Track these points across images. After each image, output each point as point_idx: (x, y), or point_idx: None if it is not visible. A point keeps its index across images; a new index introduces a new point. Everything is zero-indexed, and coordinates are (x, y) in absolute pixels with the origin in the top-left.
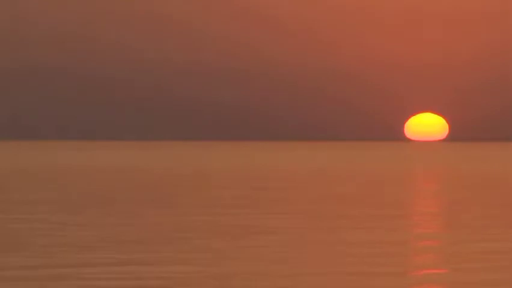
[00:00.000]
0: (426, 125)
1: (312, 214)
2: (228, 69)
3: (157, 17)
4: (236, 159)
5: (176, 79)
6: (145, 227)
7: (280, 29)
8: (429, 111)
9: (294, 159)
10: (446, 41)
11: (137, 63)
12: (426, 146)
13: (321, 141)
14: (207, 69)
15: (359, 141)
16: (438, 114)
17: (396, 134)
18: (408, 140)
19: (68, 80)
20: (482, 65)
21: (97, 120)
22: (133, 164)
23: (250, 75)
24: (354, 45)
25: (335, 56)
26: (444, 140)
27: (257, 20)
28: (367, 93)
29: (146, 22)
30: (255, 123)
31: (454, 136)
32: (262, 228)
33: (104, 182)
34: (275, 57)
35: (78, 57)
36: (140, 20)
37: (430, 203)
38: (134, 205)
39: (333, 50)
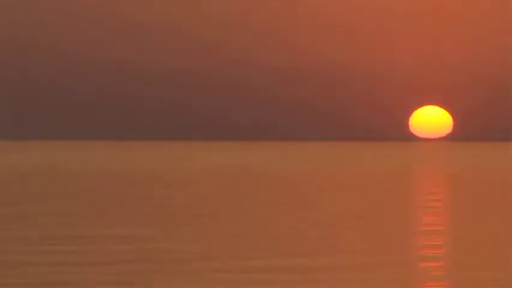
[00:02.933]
0: (431, 119)
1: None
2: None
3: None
4: (241, 159)
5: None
6: None
7: (280, 27)
8: (434, 104)
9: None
10: (452, 37)
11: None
12: (434, 146)
13: (323, 141)
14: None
15: (364, 140)
16: (443, 107)
17: (400, 128)
18: (414, 136)
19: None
20: (487, 59)
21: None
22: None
23: (250, 75)
24: (359, 44)
25: (336, 54)
26: (449, 135)
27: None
28: (371, 87)
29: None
30: (253, 123)
31: (458, 130)
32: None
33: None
34: (274, 56)
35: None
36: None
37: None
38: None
39: (334, 49)
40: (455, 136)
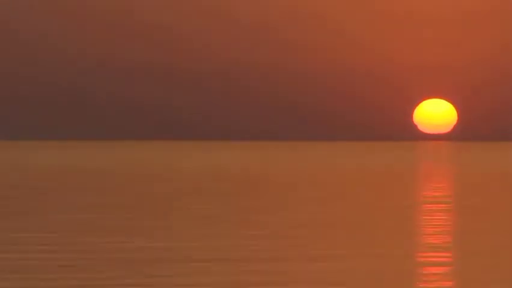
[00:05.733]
0: (435, 113)
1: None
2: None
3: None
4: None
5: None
6: None
7: (281, 28)
8: (438, 97)
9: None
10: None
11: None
12: (437, 145)
13: (329, 141)
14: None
15: (370, 138)
16: (447, 100)
17: (404, 122)
18: (416, 131)
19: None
20: (493, 54)
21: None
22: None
23: (255, 74)
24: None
25: (341, 54)
26: (453, 130)
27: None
28: (372, 86)
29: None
30: (260, 123)
31: (462, 124)
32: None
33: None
34: (280, 56)
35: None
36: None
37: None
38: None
39: (338, 49)
40: (459, 131)
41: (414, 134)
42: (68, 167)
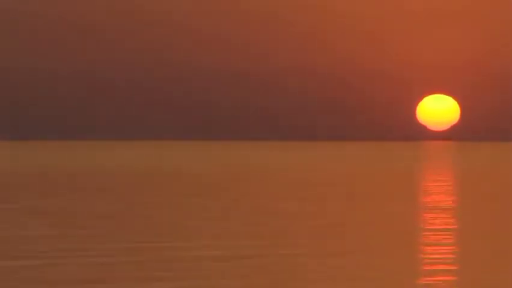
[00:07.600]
0: (438, 109)
1: None
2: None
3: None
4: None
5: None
6: None
7: (288, 29)
8: (441, 93)
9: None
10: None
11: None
12: (439, 145)
13: (330, 141)
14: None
15: (376, 139)
16: (450, 96)
17: (407, 118)
18: (419, 127)
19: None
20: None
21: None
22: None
23: (250, 74)
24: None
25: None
26: (456, 126)
27: (263, 21)
28: (373, 86)
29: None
30: (253, 123)
31: (465, 119)
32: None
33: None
34: (283, 56)
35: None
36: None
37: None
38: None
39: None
40: (462, 128)
41: (417, 132)
42: (68, 167)
